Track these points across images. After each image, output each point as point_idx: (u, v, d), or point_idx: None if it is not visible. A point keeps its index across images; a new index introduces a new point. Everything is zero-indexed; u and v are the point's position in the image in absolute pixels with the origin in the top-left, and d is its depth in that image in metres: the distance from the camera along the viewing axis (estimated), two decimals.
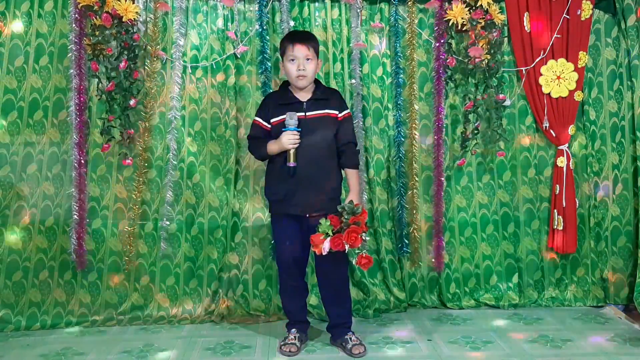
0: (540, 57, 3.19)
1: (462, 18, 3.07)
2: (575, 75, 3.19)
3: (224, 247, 3.15)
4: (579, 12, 3.18)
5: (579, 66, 3.20)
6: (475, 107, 3.17)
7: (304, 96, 2.60)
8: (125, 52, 2.93)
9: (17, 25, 2.93)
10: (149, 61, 3.03)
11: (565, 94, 3.20)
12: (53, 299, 3.00)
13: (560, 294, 3.31)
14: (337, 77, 3.19)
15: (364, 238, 2.38)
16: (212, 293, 3.13)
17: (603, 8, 3.26)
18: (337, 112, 2.62)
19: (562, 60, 3.19)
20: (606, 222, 3.30)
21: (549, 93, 3.20)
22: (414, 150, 3.20)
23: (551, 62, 3.19)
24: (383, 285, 3.25)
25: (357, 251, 2.38)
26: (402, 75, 3.22)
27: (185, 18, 3.09)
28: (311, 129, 2.54)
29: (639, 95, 3.22)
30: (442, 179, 3.20)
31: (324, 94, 2.63)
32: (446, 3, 3.12)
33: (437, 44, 3.17)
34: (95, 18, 2.86)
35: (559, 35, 3.19)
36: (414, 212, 3.21)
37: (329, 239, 2.38)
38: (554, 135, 3.22)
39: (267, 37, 3.11)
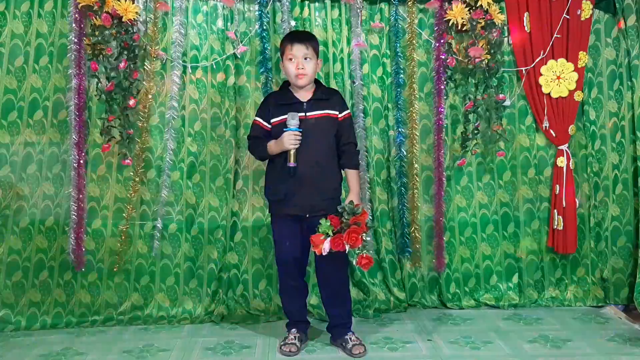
0: (540, 57, 3.19)
1: (462, 18, 3.07)
2: (575, 75, 3.19)
3: (224, 247, 3.15)
4: (579, 12, 3.18)
5: (579, 66, 3.19)
6: (475, 107, 3.17)
7: (304, 96, 2.60)
8: (125, 52, 2.93)
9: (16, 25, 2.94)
10: (148, 61, 3.03)
11: (565, 94, 3.19)
12: (53, 299, 3.00)
13: (560, 294, 3.30)
14: (337, 77, 3.18)
15: (364, 238, 2.37)
16: (212, 293, 3.13)
17: (603, 8, 3.26)
18: (337, 113, 2.62)
19: (562, 60, 3.19)
20: (606, 222, 3.30)
21: (549, 93, 3.20)
22: (414, 150, 3.20)
23: (551, 62, 3.19)
24: (383, 285, 3.25)
25: (357, 251, 2.38)
26: (402, 75, 3.22)
27: (185, 18, 3.09)
28: (311, 129, 2.53)
29: (639, 95, 3.22)
30: (442, 179, 3.20)
31: (324, 94, 2.63)
32: (446, 3, 3.12)
33: (437, 44, 3.17)
34: (95, 18, 2.86)
35: (559, 35, 3.19)
36: (414, 212, 3.21)
37: (329, 239, 2.38)
38: (554, 135, 3.22)
39: (267, 38, 3.11)
